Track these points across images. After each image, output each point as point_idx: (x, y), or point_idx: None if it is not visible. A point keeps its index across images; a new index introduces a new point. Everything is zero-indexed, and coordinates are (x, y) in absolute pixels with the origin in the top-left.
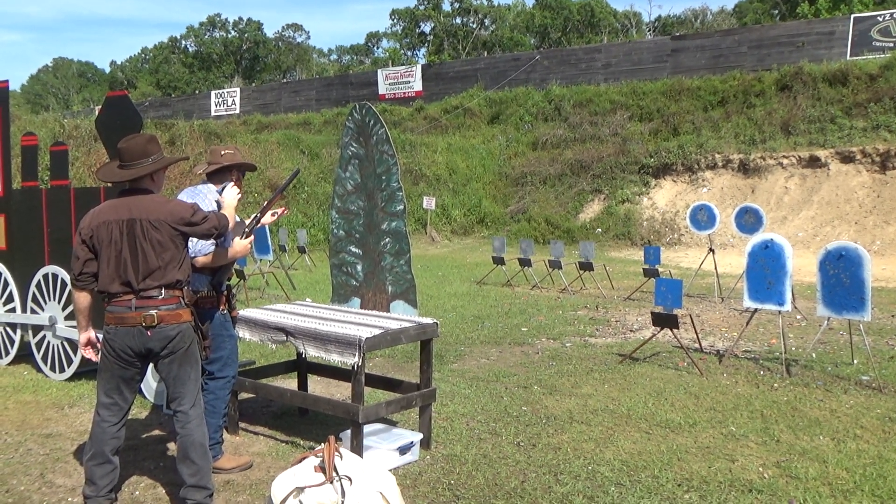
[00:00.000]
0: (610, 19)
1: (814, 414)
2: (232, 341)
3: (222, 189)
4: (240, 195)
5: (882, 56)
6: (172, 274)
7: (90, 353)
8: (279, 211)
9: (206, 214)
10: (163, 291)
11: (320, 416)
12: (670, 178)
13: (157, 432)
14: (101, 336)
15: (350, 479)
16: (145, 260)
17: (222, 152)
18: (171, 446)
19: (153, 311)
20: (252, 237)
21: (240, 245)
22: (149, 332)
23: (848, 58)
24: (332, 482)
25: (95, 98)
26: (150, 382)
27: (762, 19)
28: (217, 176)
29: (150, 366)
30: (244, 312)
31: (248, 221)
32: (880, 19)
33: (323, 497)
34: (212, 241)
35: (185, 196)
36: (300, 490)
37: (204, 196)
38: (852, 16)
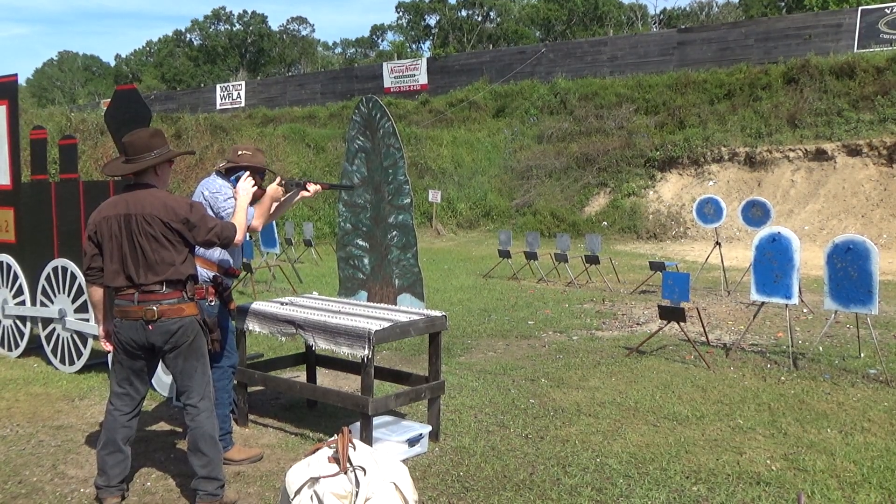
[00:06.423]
0: (615, 12)
1: (821, 407)
2: (226, 332)
3: (236, 179)
4: (255, 188)
5: (890, 49)
6: (173, 270)
7: (110, 346)
8: (318, 187)
9: (205, 216)
10: (164, 287)
11: (329, 408)
12: (676, 171)
13: (167, 424)
14: None
15: (364, 470)
16: (143, 255)
17: (240, 152)
18: (182, 438)
19: (154, 306)
20: (282, 184)
21: (271, 189)
22: (150, 327)
23: (855, 50)
24: (346, 473)
25: (101, 92)
26: (161, 376)
27: (769, 12)
28: (233, 174)
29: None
30: (254, 305)
31: (290, 178)
32: (888, 11)
33: (337, 487)
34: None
35: (202, 188)
36: (315, 480)
37: (227, 192)
38: (860, 8)
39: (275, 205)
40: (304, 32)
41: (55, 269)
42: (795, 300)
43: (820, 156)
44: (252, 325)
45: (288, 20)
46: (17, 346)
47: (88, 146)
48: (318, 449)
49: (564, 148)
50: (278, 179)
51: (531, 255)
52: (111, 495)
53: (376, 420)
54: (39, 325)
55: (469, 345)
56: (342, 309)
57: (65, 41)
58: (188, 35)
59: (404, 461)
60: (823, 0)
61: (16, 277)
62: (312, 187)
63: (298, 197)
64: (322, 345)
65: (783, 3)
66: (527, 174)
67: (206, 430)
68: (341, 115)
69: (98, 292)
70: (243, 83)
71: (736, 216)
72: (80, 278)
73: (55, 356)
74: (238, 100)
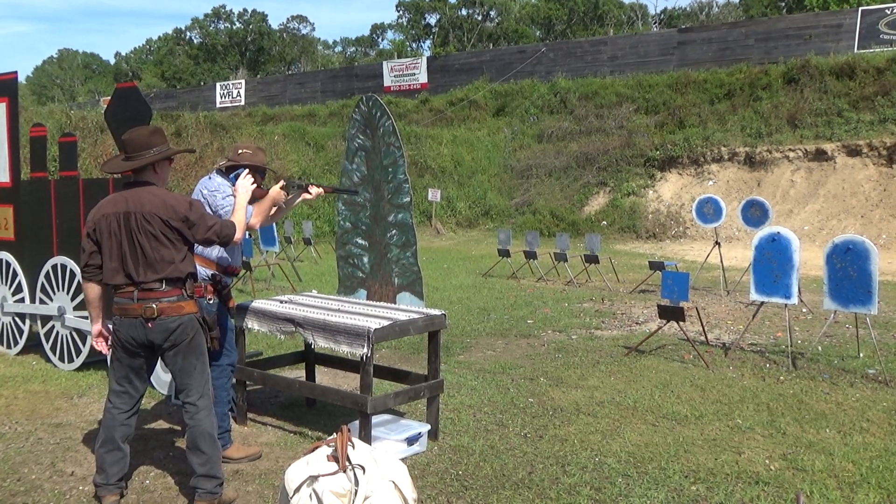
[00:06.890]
0: (615, 11)
1: (820, 407)
2: (225, 331)
3: (235, 177)
4: (255, 186)
5: (890, 49)
6: (173, 268)
7: (102, 346)
8: (320, 190)
9: (205, 215)
10: (163, 284)
11: (328, 406)
12: (676, 171)
13: (166, 422)
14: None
15: (363, 469)
16: (143, 253)
17: (240, 150)
18: (180, 436)
19: (153, 304)
20: (284, 187)
21: (274, 192)
22: (149, 324)
23: (855, 51)
24: (345, 471)
25: (101, 89)
26: (160, 374)
27: (769, 12)
28: (233, 172)
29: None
30: (253, 303)
31: (290, 177)
32: (888, 12)
33: (336, 486)
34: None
35: (201, 186)
36: (314, 479)
37: (225, 190)
38: (860, 8)
39: (274, 208)
40: (304, 31)
41: (54, 267)
42: (795, 300)
43: (820, 156)
44: (251, 324)
45: (288, 19)
46: (16, 343)
47: (88, 144)
48: (317, 447)
49: (564, 147)
50: (281, 183)
51: (530, 255)
52: (110, 493)
53: (375, 418)
54: (38, 322)
55: (468, 344)
56: (341, 307)
57: (65, 39)
58: (188, 33)
59: (403, 460)
60: (824, 0)
61: (15, 275)
62: (314, 190)
63: (300, 199)
64: (321, 343)
65: (783, 3)
66: (526, 173)
67: (205, 428)
68: (341, 114)
69: (94, 290)
70: (243, 81)
71: (735, 216)
72: (80, 276)
73: (54, 354)
74: (238, 98)
